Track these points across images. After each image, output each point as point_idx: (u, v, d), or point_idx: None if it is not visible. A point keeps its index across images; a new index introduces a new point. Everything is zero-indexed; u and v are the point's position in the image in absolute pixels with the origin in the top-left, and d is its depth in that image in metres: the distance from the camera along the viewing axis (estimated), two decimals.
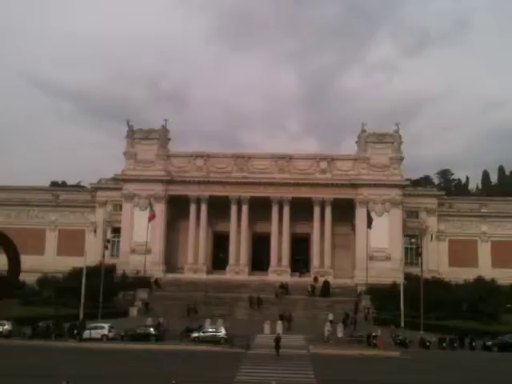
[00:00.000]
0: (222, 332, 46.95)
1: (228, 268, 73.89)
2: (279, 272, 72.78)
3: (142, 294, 66.03)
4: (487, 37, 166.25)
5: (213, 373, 32.70)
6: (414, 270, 64.00)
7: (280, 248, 74.08)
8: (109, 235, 75.77)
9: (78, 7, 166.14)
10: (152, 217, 70.69)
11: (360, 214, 71.99)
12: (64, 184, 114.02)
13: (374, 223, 68.45)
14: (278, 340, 40.49)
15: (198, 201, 75.26)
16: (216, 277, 73.09)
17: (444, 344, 46.04)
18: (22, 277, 66.57)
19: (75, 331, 47.04)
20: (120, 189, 76.40)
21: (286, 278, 71.19)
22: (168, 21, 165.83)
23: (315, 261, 73.76)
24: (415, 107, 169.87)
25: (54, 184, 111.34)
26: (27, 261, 68.13)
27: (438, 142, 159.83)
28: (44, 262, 77.56)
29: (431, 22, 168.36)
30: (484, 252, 78.03)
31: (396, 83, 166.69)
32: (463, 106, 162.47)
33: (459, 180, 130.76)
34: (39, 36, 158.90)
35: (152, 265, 71.84)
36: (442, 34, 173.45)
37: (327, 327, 49.62)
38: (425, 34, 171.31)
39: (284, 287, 66.57)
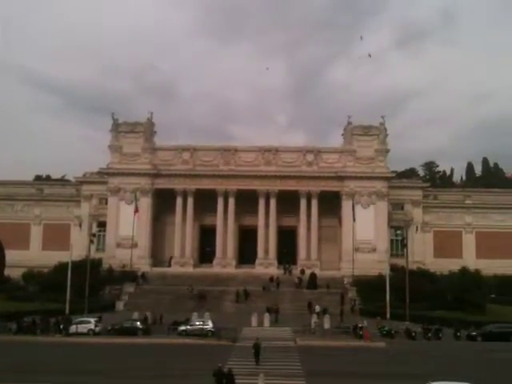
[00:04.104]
0: (210, 325, 47.00)
1: (215, 261, 73.84)
2: (266, 265, 72.92)
3: (129, 287, 65.78)
4: (475, 30, 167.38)
5: (200, 365, 32.70)
6: (400, 262, 64.38)
7: (267, 241, 74.19)
8: (94, 229, 75.52)
9: (64, 1, 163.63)
10: (135, 212, 70.50)
11: (346, 207, 72.36)
12: (48, 178, 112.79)
13: (360, 215, 69.54)
14: (257, 347, 33.37)
15: (185, 194, 75.01)
16: (203, 270, 73.05)
17: (429, 334, 46.55)
18: (7, 272, 66.16)
19: (61, 326, 46.78)
20: (105, 182, 75.86)
21: (273, 270, 71.38)
22: (155, 14, 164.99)
23: (302, 253, 74.01)
24: (402, 100, 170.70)
25: (39, 178, 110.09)
26: (12, 256, 67.72)
27: (423, 135, 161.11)
28: (29, 256, 76.85)
29: (419, 15, 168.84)
30: (468, 243, 78.84)
31: (383, 76, 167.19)
32: (449, 99, 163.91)
33: (444, 172, 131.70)
34: (24, 29, 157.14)
35: (138, 259, 71.61)
36: (430, 28, 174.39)
37: (314, 319, 49.89)
38: (412, 27, 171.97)
39: (273, 280, 66.48)
